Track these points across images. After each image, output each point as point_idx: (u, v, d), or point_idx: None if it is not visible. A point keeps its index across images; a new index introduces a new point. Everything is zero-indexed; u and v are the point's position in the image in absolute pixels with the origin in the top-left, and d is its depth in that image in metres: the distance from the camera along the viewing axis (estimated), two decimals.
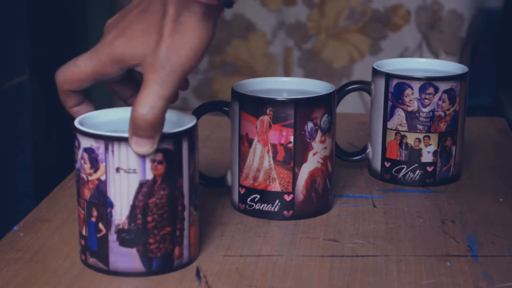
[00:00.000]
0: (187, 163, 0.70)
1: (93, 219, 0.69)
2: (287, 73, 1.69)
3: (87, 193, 0.69)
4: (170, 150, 0.68)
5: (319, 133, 0.80)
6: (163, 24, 0.67)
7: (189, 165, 0.70)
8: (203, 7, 0.67)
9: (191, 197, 0.71)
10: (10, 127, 1.25)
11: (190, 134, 0.70)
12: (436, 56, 1.67)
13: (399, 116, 0.89)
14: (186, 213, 0.70)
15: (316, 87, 0.85)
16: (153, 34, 0.67)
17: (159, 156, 0.67)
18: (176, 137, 0.69)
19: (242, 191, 0.82)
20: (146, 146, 0.67)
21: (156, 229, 0.69)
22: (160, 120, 0.66)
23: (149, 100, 0.66)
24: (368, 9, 1.64)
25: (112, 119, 0.74)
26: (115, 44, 0.69)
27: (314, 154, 0.81)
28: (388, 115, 0.90)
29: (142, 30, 0.68)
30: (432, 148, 0.89)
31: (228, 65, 1.75)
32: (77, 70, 0.71)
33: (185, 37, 0.67)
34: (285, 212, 0.81)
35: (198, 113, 0.84)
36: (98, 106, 0.75)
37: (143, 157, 0.67)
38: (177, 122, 0.73)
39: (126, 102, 0.76)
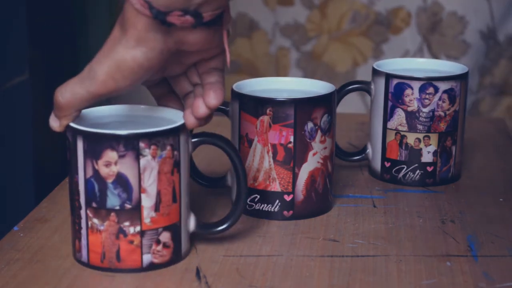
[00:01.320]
0: (83, 164, 0.69)
1: None
2: (280, 73, 1.69)
3: None
4: (69, 140, 0.70)
5: (319, 133, 0.80)
6: (112, 31, 0.68)
7: (86, 167, 0.68)
8: (143, 24, 0.65)
9: (89, 202, 0.69)
10: (10, 127, 1.25)
11: (88, 137, 0.68)
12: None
13: (399, 116, 0.89)
14: (82, 213, 0.70)
15: (316, 87, 0.85)
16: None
17: (67, 142, 0.70)
18: (72, 132, 0.69)
19: None
20: (53, 123, 0.71)
21: (72, 211, 0.72)
22: (66, 108, 0.69)
23: (64, 87, 0.69)
24: (371, 12, 1.64)
25: (104, 116, 0.75)
26: None
27: (314, 154, 0.81)
28: (388, 115, 0.90)
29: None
30: (432, 148, 0.89)
31: (231, 63, 1.75)
32: None
33: (112, 52, 0.67)
34: (285, 212, 0.81)
35: None
36: (98, 104, 0.76)
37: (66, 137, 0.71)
38: (171, 120, 0.73)
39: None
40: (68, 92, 0.68)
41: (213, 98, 0.70)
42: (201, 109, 0.70)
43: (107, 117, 0.74)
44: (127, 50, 0.66)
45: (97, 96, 0.68)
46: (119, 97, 0.71)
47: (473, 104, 1.72)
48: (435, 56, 1.68)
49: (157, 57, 0.67)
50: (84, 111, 0.73)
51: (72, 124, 0.69)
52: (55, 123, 0.70)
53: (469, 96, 1.71)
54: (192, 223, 0.73)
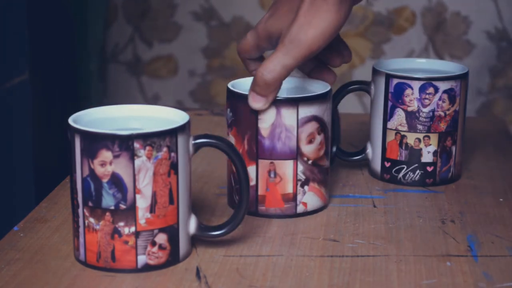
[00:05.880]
0: (80, 162, 0.69)
1: None
2: None
3: None
4: (67, 137, 0.70)
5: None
6: (301, 5, 0.77)
7: (83, 166, 0.69)
8: None
9: (86, 200, 0.69)
10: (10, 127, 1.25)
11: (85, 136, 0.68)
12: (441, 59, 1.66)
13: (399, 116, 0.89)
14: (80, 211, 0.70)
15: (314, 87, 0.84)
16: (293, 14, 0.78)
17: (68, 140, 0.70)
18: (70, 129, 0.69)
19: None
20: (259, 102, 0.78)
21: (72, 210, 0.72)
22: (275, 83, 0.77)
23: (271, 64, 0.77)
24: (369, 13, 1.64)
25: (107, 116, 0.75)
26: (268, 22, 0.82)
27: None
28: (388, 115, 0.90)
29: (287, 10, 0.80)
30: (432, 148, 0.89)
31: (226, 68, 1.75)
32: (245, 42, 0.84)
33: (315, 19, 0.76)
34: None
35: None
36: (95, 104, 0.76)
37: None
38: (172, 120, 0.73)
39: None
40: (278, 66, 0.76)
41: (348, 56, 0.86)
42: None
43: (109, 117, 0.74)
44: (332, 15, 0.76)
45: (301, 61, 0.77)
46: (115, 99, 0.71)
47: (483, 104, 1.72)
48: (439, 56, 1.68)
49: (348, 16, 0.78)
50: (84, 111, 0.73)
51: (71, 123, 0.70)
52: (259, 102, 0.77)
53: (479, 97, 1.71)
54: (192, 226, 0.73)
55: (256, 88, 0.77)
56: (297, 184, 0.80)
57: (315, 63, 0.85)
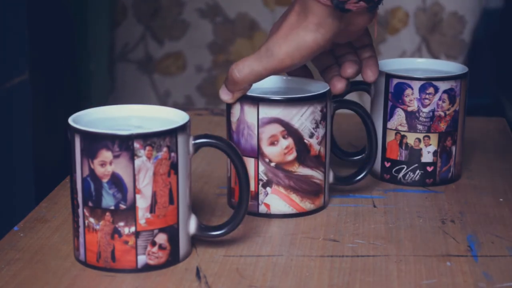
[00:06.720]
0: (80, 162, 0.69)
1: None
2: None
3: None
4: (67, 137, 0.70)
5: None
6: (288, 15, 0.77)
7: (83, 166, 0.69)
8: (323, 11, 0.74)
9: (86, 200, 0.69)
10: (10, 127, 1.25)
11: (85, 136, 0.68)
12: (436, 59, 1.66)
13: (399, 116, 0.89)
14: (80, 212, 0.70)
15: (313, 87, 0.84)
16: (280, 23, 0.78)
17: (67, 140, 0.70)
18: (70, 129, 0.69)
19: None
20: (226, 95, 0.79)
21: (72, 210, 0.72)
22: (240, 83, 0.78)
23: (241, 65, 0.78)
24: None
25: (107, 116, 0.75)
26: (273, 24, 0.82)
27: None
28: (388, 115, 0.90)
29: (280, 20, 0.80)
30: (432, 148, 0.89)
31: (231, 63, 1.75)
32: None
33: (292, 35, 0.76)
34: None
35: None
36: (97, 103, 0.76)
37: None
38: (172, 120, 0.73)
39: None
40: (246, 69, 0.77)
41: (371, 75, 0.84)
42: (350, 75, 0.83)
43: (109, 117, 0.74)
44: (308, 33, 0.75)
45: (272, 72, 0.78)
46: (124, 97, 0.72)
47: None
48: (434, 56, 1.68)
49: (331, 38, 0.76)
50: (84, 111, 0.73)
51: (70, 123, 0.70)
52: (225, 95, 0.79)
53: None
54: (192, 226, 0.73)
55: (225, 81, 0.79)
56: (258, 184, 0.80)
57: (334, 67, 0.84)
